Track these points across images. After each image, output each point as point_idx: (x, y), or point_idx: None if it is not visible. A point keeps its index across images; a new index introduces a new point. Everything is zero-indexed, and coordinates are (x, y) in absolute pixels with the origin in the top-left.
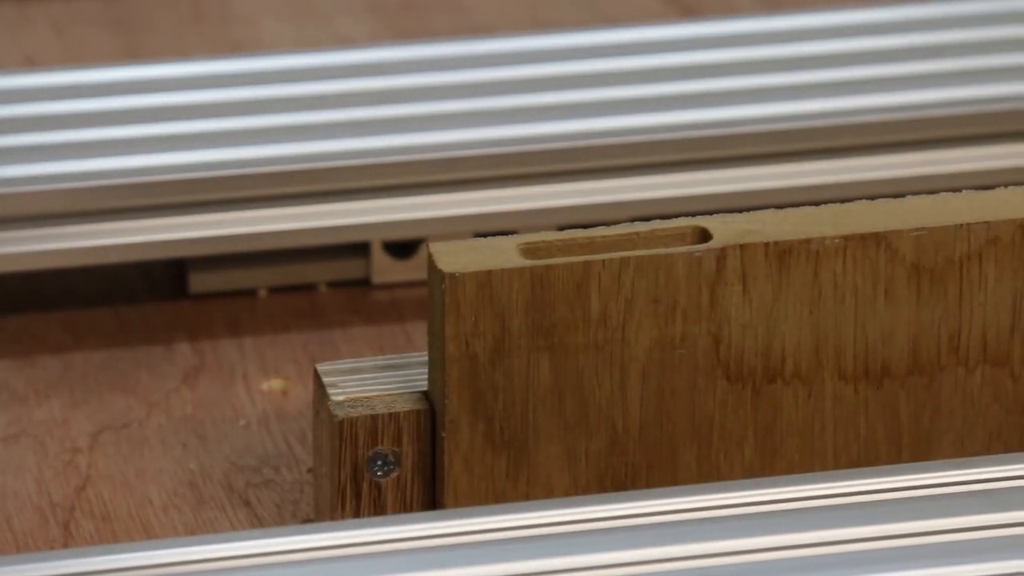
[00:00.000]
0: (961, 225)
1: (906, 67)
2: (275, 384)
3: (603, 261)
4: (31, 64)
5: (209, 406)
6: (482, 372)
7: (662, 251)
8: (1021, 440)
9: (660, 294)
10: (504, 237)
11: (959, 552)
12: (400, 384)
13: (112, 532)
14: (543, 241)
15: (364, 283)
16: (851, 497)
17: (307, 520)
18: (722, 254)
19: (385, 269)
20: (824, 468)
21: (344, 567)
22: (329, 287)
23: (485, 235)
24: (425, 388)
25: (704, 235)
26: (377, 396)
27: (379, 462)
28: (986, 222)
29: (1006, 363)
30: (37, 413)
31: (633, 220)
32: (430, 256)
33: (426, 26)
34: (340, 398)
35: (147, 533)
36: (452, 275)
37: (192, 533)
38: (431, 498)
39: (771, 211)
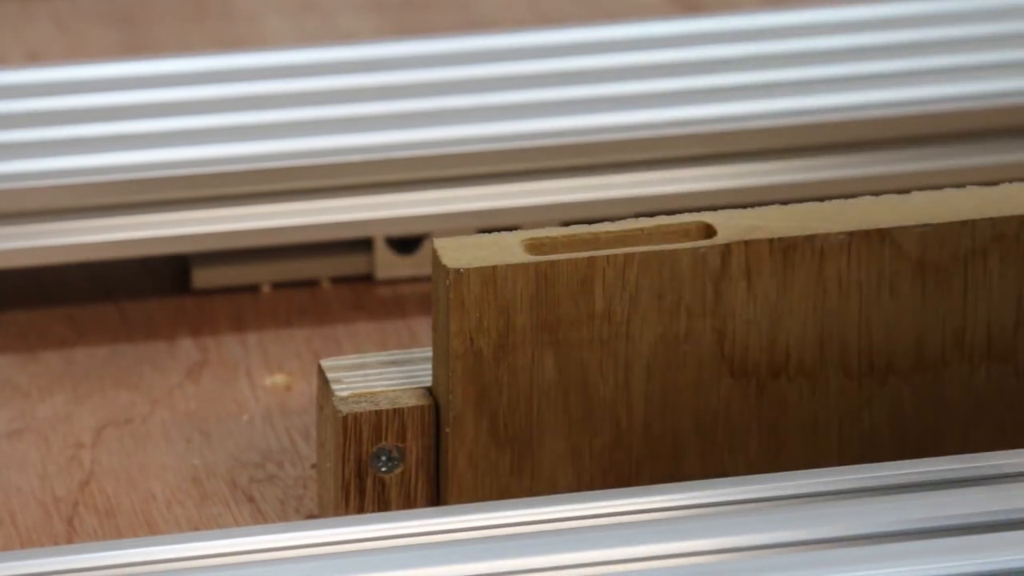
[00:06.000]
0: (966, 221)
1: (911, 63)
2: (278, 379)
3: (607, 257)
4: (34, 59)
5: (212, 402)
6: (486, 368)
7: (666, 247)
8: None
9: (664, 290)
10: (508, 233)
11: (962, 548)
12: (404, 380)
13: (116, 527)
14: (547, 237)
15: (367, 279)
16: (853, 493)
17: (311, 516)
18: (727, 250)
19: (388, 265)
20: (828, 464)
21: (348, 563)
22: (332, 283)
23: (489, 231)
24: (429, 384)
25: (708, 231)
26: (381, 392)
27: (383, 458)
28: (991, 218)
29: (1011, 359)
30: (40, 409)
31: (637, 216)
32: (435, 252)
33: (428, 22)
34: (344, 393)
35: (151, 529)
36: (457, 271)
37: (196, 529)
38: (435, 494)
39: (775, 207)
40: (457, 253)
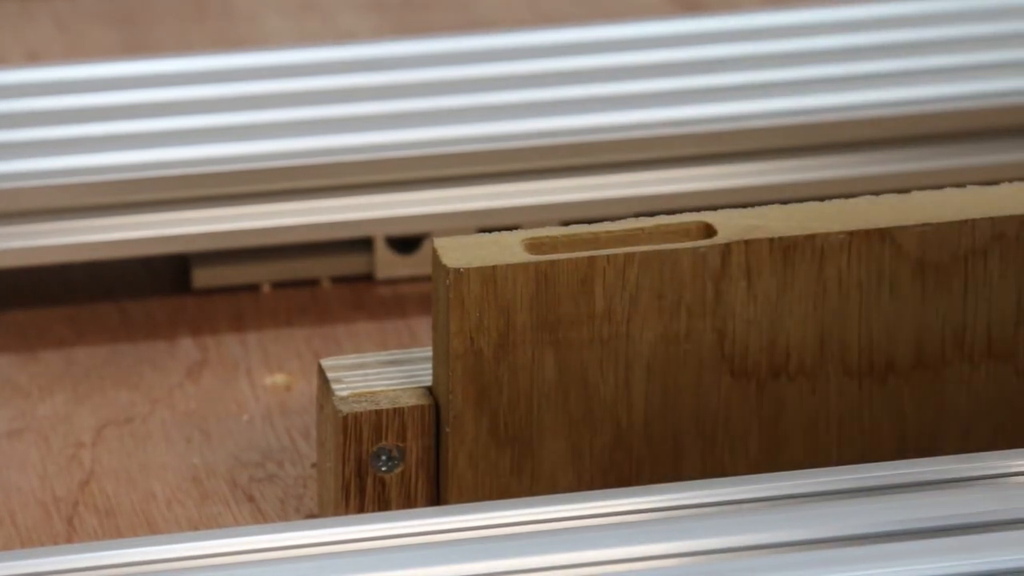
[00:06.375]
0: (966, 221)
1: (910, 62)
2: (278, 379)
3: (607, 257)
4: (34, 59)
5: (212, 401)
6: (486, 367)
7: (667, 247)
8: None
9: (665, 289)
10: (508, 232)
11: (962, 548)
12: (404, 379)
13: (116, 527)
14: (548, 236)
15: (367, 278)
16: (853, 493)
17: (311, 515)
18: (727, 250)
19: (388, 264)
20: (828, 464)
21: (348, 562)
22: (332, 282)
23: (489, 230)
24: (429, 383)
25: (709, 230)
26: (381, 391)
27: (383, 457)
28: (991, 218)
29: (1011, 359)
30: (40, 408)
31: (637, 215)
32: (435, 251)
33: (428, 21)
34: (344, 393)
35: (151, 528)
36: (457, 270)
37: (196, 528)
38: (435, 493)
39: (776, 206)
40: (457, 253)
